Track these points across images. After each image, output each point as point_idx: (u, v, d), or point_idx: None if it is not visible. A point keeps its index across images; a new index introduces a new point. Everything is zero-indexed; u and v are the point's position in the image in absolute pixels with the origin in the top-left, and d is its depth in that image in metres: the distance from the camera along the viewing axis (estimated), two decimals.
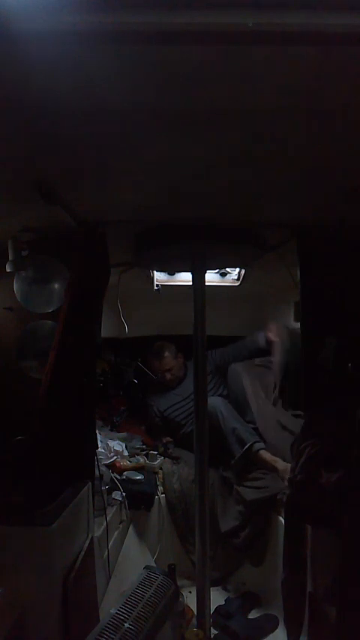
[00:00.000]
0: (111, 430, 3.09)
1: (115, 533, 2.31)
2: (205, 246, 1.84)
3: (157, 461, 2.84)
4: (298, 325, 2.16)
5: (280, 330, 2.87)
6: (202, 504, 1.97)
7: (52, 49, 0.77)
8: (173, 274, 2.56)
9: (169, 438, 3.07)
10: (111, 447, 2.74)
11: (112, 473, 2.58)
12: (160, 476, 2.78)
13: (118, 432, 3.11)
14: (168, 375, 3.20)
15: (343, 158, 1.22)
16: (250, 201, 1.60)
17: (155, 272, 2.51)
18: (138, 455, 2.89)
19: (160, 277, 2.57)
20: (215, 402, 2.72)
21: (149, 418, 3.29)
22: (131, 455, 2.86)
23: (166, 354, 3.21)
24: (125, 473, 2.63)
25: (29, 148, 1.15)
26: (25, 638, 1.32)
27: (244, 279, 2.60)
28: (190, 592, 2.18)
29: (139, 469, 2.71)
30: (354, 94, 0.91)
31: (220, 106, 0.97)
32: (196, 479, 2.00)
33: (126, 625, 1.35)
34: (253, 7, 0.72)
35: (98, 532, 2.02)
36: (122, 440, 2.94)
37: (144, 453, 2.94)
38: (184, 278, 2.50)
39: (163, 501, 2.68)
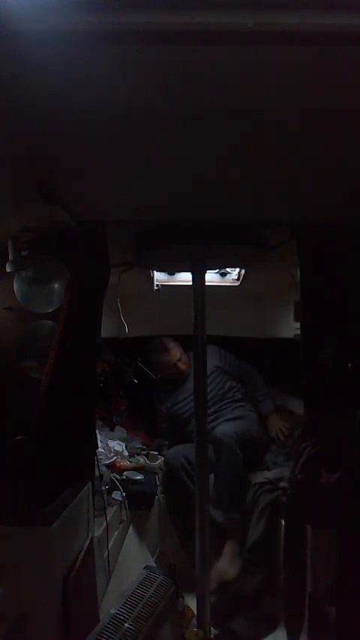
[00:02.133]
0: (111, 430, 3.09)
1: (115, 533, 2.31)
2: (205, 246, 1.84)
3: (158, 461, 2.85)
4: (298, 325, 2.16)
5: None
6: (202, 504, 1.96)
7: (52, 49, 0.77)
8: (173, 274, 2.55)
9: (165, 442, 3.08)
10: (111, 447, 2.74)
11: (112, 473, 2.58)
12: (160, 476, 2.77)
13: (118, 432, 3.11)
14: (181, 366, 3.10)
15: (344, 158, 1.22)
16: (250, 201, 1.60)
17: (155, 272, 2.51)
18: (138, 455, 2.90)
19: (160, 277, 2.57)
20: (225, 430, 2.65)
21: (157, 417, 3.25)
22: (131, 455, 2.86)
23: (171, 345, 3.15)
24: (125, 473, 2.63)
25: (29, 148, 1.15)
26: (25, 639, 1.31)
27: (244, 279, 2.60)
28: (191, 592, 2.18)
29: (139, 469, 2.71)
30: (354, 94, 0.91)
31: (220, 106, 0.97)
32: (197, 478, 2.00)
33: (126, 625, 1.35)
34: (253, 7, 0.72)
35: (98, 532, 2.02)
36: (122, 440, 2.95)
37: (144, 453, 2.94)
38: (184, 278, 2.50)
39: (163, 501, 2.68)
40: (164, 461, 2.80)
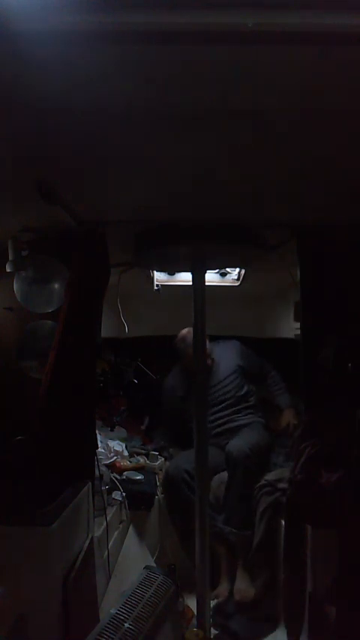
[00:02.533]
0: (111, 430, 3.09)
1: (115, 533, 2.31)
2: (205, 246, 1.84)
3: (158, 461, 2.84)
4: (298, 325, 2.16)
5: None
6: (202, 504, 1.96)
7: (52, 49, 0.77)
8: (173, 274, 2.56)
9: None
10: (111, 447, 2.74)
11: (112, 473, 2.58)
12: (160, 476, 2.77)
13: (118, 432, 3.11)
14: (209, 360, 2.86)
15: (343, 158, 1.22)
16: (250, 201, 1.60)
17: (155, 272, 2.51)
18: (138, 455, 2.90)
19: (160, 277, 2.57)
20: (239, 446, 2.57)
21: (161, 412, 3.15)
22: (131, 455, 2.86)
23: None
24: (125, 473, 2.63)
25: (29, 148, 1.15)
26: (25, 638, 1.31)
27: (244, 279, 2.60)
28: (191, 592, 2.18)
29: (139, 469, 2.71)
30: (354, 94, 0.91)
31: (220, 106, 0.97)
32: (197, 477, 2.00)
33: (126, 625, 1.35)
34: (253, 7, 0.72)
35: (98, 532, 2.02)
36: (122, 440, 2.94)
37: (144, 453, 2.94)
38: (184, 278, 2.50)
39: (163, 501, 2.68)
40: (165, 474, 2.73)
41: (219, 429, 2.77)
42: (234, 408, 2.88)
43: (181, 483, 2.55)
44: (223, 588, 2.41)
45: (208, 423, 2.75)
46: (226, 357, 2.94)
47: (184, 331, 2.98)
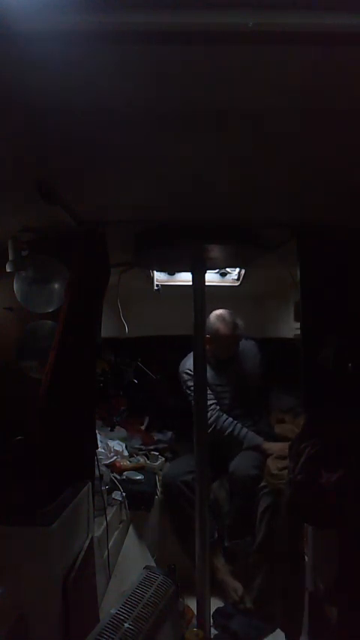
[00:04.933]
0: (111, 430, 3.09)
1: (115, 533, 2.31)
2: (205, 246, 1.84)
3: (158, 461, 2.84)
4: (298, 325, 2.16)
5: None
6: (202, 504, 1.96)
7: (52, 49, 0.77)
8: (173, 274, 2.56)
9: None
10: (111, 447, 2.74)
11: (112, 473, 2.58)
12: (160, 476, 2.77)
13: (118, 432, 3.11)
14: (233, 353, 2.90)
15: (343, 158, 1.22)
16: (250, 201, 1.60)
17: (155, 272, 2.51)
18: (138, 455, 2.90)
19: (160, 277, 2.57)
20: (242, 466, 2.56)
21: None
22: (131, 455, 2.86)
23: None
24: (125, 473, 2.63)
25: (29, 148, 1.15)
26: (25, 639, 1.31)
27: (244, 279, 2.60)
28: (191, 592, 2.18)
29: (139, 469, 2.71)
30: (354, 94, 0.91)
31: (220, 106, 0.97)
32: (197, 478, 2.00)
33: (126, 625, 1.35)
34: (253, 7, 0.72)
35: (98, 532, 2.02)
36: (122, 440, 2.94)
37: (143, 453, 2.93)
38: (184, 278, 2.50)
39: (163, 502, 2.68)
40: (162, 481, 2.71)
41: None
42: (241, 419, 2.80)
43: (178, 496, 2.54)
44: (234, 588, 2.42)
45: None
46: (244, 358, 2.90)
47: (220, 312, 2.78)
